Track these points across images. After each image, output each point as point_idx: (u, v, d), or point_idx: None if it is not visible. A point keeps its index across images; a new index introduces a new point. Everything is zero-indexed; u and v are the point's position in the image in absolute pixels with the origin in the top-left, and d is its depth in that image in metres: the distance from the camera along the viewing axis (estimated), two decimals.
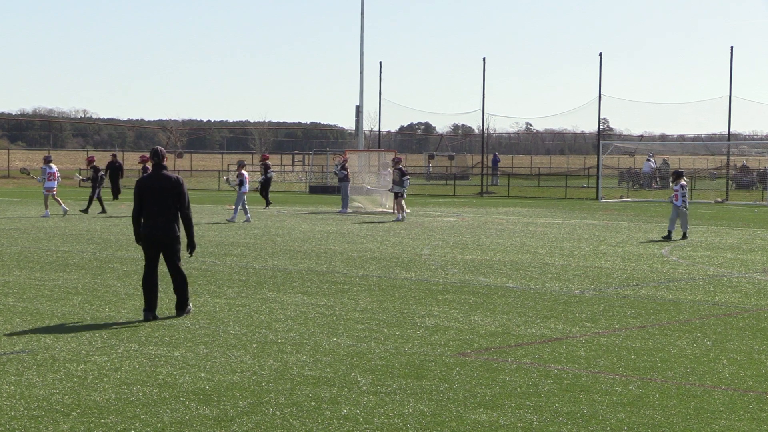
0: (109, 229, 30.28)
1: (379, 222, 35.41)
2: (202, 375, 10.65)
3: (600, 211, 44.71)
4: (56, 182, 37.77)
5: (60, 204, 37.35)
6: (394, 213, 37.00)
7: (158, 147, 14.73)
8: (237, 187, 36.17)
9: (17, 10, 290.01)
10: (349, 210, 41.71)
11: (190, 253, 14.74)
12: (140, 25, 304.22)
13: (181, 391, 9.94)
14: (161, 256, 14.54)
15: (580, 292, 17.48)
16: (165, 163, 14.62)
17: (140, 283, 17.76)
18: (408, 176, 38.32)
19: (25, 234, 28.44)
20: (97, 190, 39.43)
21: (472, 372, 10.95)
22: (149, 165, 38.32)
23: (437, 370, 11.04)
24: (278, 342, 12.55)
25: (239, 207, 35.43)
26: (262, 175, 44.25)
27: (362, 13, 61.30)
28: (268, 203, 43.68)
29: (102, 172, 40.72)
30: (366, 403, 9.52)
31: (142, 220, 14.45)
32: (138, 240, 14.60)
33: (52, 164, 37.97)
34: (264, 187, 44.11)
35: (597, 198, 57.21)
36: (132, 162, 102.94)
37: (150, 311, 14.20)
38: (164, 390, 9.96)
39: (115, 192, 43.26)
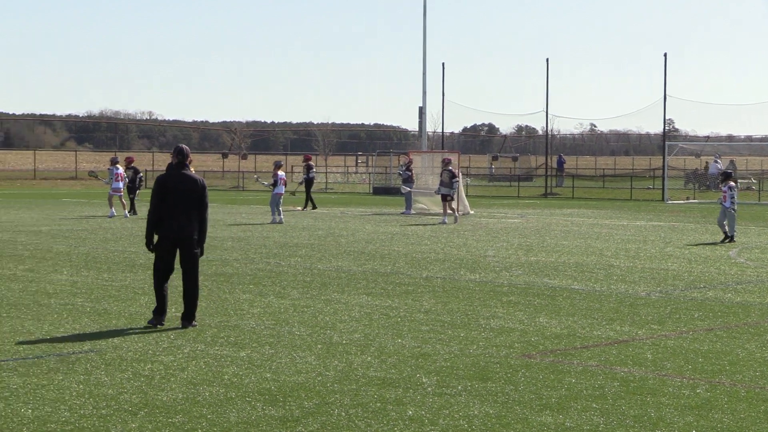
0: None
1: (442, 223, 35.35)
2: (268, 375, 10.70)
3: (666, 213, 44.33)
4: (122, 183, 38.21)
5: (123, 208, 37.82)
6: (453, 214, 36.56)
7: (183, 146, 14.09)
8: (271, 188, 36.14)
9: (84, 13, 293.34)
10: (412, 211, 41.68)
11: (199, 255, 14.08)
12: (206, 27, 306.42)
13: (246, 391, 9.99)
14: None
15: (646, 294, 17.34)
16: (188, 162, 14.01)
17: (205, 284, 17.89)
18: (457, 178, 37.71)
19: (92, 235, 28.75)
20: (136, 192, 39.46)
21: (538, 374, 10.90)
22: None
23: (502, 371, 11.00)
24: (343, 343, 12.57)
25: (274, 208, 35.45)
26: (303, 175, 44.16)
27: (425, 14, 61.24)
28: (314, 205, 43.68)
29: (141, 174, 40.81)
30: (431, 405, 9.51)
31: (162, 221, 13.68)
32: (150, 245, 13.80)
33: (118, 165, 38.44)
34: (307, 188, 44.07)
35: (663, 199, 56.72)
36: (195, 162, 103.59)
37: (161, 315, 13.78)
38: (230, 390, 10.02)
39: None
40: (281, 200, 35.50)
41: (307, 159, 45.76)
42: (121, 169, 38.34)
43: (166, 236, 13.71)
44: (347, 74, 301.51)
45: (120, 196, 37.90)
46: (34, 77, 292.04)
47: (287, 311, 15.01)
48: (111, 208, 37.64)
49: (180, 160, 13.87)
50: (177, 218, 13.64)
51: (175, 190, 13.67)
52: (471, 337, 13.08)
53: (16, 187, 75.01)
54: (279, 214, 35.10)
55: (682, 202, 55.81)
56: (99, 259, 21.86)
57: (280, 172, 36.28)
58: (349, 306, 15.61)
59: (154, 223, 13.72)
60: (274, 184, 35.80)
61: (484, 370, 11.04)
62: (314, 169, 45.28)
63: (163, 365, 11.15)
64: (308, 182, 44.14)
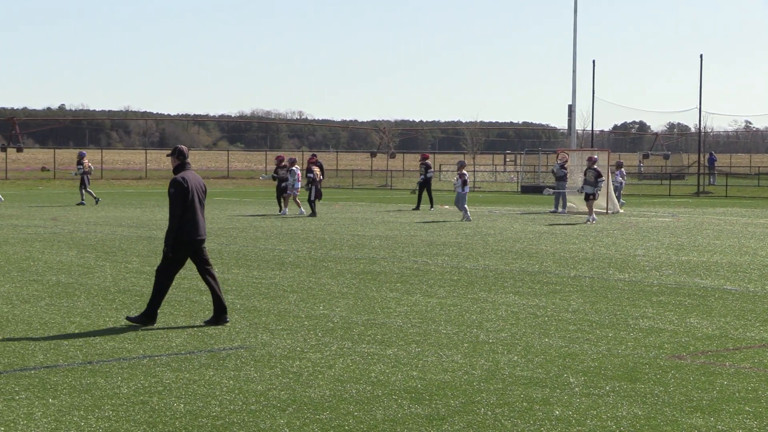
0: (323, 229, 30.85)
1: (589, 222, 34.98)
2: (414, 374, 10.72)
3: None
4: (299, 183, 39.03)
5: (299, 206, 38.59)
6: (592, 214, 36.05)
7: (181, 146, 13.90)
8: (461, 188, 36.50)
9: (236, 17, 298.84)
10: (565, 210, 41.25)
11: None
12: (355, 29, 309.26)
13: (393, 389, 10.03)
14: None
15: None
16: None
17: (352, 282, 18.04)
18: (603, 178, 37.14)
19: (243, 233, 29.23)
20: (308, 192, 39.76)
21: (688, 375, 10.70)
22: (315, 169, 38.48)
23: (651, 372, 10.83)
24: (489, 342, 12.53)
25: (465, 206, 36.09)
26: (421, 175, 43.59)
27: (575, 11, 60.72)
28: (431, 204, 43.30)
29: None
30: (578, 405, 9.42)
31: (183, 225, 13.43)
32: (171, 250, 13.45)
33: (297, 166, 39.21)
34: (425, 188, 43.53)
35: None
36: (344, 162, 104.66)
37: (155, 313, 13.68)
38: (377, 388, 10.07)
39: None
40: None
41: (424, 158, 45.22)
42: (298, 171, 39.21)
43: (193, 240, 13.56)
44: (496, 72, 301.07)
45: (295, 195, 38.82)
46: (189, 79, 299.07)
47: (434, 310, 15.03)
48: (299, 206, 38.59)
49: (182, 160, 13.72)
50: (199, 219, 13.60)
51: (196, 191, 13.59)
52: (619, 337, 12.92)
53: None
54: (466, 212, 36.01)
55: None
56: (249, 257, 22.21)
57: (466, 172, 36.79)
58: (495, 305, 15.56)
59: (177, 228, 13.44)
60: (464, 184, 36.36)
61: (632, 371, 10.89)
62: (432, 169, 44.65)
63: (311, 362, 11.27)
64: (426, 182, 43.53)
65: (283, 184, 39.35)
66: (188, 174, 13.66)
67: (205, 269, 13.80)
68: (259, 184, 77.10)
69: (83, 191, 45.99)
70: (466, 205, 36.11)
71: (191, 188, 13.52)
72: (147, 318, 13.57)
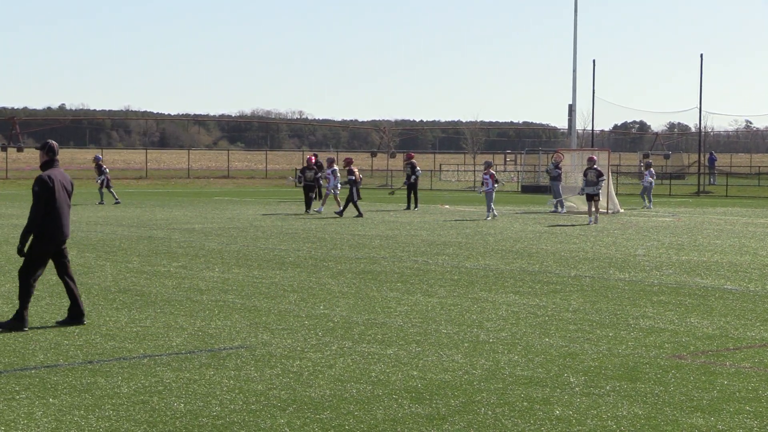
0: (324, 228, 30.84)
1: (589, 223, 34.96)
2: (415, 373, 10.72)
3: None
4: (339, 183, 39.34)
5: (338, 204, 38.91)
6: (596, 214, 35.87)
7: (51, 141, 13.57)
8: (495, 187, 36.97)
9: (237, 17, 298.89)
10: (563, 210, 41.21)
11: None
12: (355, 29, 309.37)
13: (393, 388, 10.02)
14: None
15: None
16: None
17: (353, 282, 18.04)
18: (604, 177, 37.00)
19: (243, 233, 29.21)
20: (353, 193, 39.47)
21: (689, 375, 10.69)
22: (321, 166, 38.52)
23: (652, 372, 10.83)
24: (490, 341, 12.52)
25: (491, 204, 36.90)
26: (411, 176, 43.10)
27: (575, 11, 60.69)
28: (416, 204, 43.12)
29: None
30: (579, 405, 9.41)
31: (48, 223, 13.19)
32: (27, 247, 13.19)
33: (336, 166, 39.36)
34: (411, 188, 43.38)
35: None
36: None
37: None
38: (377, 387, 10.06)
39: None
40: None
41: (409, 158, 44.96)
42: (337, 169, 39.46)
43: (57, 239, 13.35)
44: (496, 72, 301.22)
45: (335, 193, 39.32)
46: (189, 79, 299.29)
47: (434, 309, 15.02)
48: (340, 205, 38.89)
49: (51, 156, 13.48)
50: (65, 219, 13.38)
51: (61, 189, 13.37)
52: (620, 336, 12.91)
53: (171, 185, 76.78)
54: (492, 211, 36.92)
55: None
56: (250, 257, 22.20)
57: (493, 171, 37.24)
58: (496, 304, 15.55)
59: (36, 226, 13.17)
60: (496, 182, 37.44)
61: (633, 371, 10.89)
62: (419, 169, 44.20)
63: (312, 362, 11.26)
64: (413, 183, 43.25)
65: (324, 184, 39.54)
66: (55, 172, 13.43)
67: (64, 269, 13.59)
68: (259, 184, 77.12)
69: (111, 192, 46.85)
70: (492, 204, 37.01)
71: (57, 187, 13.30)
72: (17, 322, 13.17)
